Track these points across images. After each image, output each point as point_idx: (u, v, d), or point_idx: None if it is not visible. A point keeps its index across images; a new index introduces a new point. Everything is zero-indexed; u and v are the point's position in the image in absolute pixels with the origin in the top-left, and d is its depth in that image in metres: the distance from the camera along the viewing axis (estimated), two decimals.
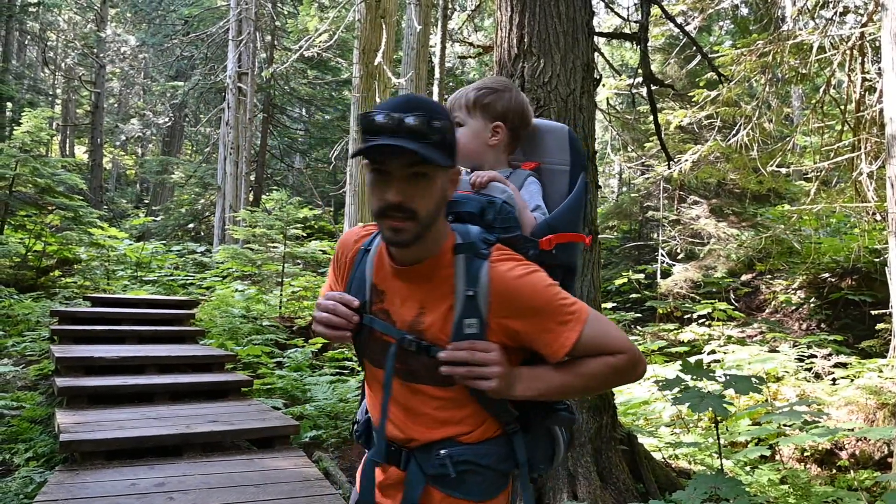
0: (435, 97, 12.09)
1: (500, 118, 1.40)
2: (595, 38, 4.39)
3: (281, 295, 9.13)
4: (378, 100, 10.62)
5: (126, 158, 30.39)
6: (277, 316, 8.29)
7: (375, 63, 9.94)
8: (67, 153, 26.47)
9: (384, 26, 10.32)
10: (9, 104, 19.14)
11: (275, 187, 17.28)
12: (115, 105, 28.24)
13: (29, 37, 22.88)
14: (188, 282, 11.33)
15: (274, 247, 10.21)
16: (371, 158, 1.10)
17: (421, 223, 1.11)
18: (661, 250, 11.51)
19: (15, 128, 10.26)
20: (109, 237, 11.41)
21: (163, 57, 22.76)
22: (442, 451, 1.20)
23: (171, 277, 11.56)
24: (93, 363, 5.13)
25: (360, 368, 1.40)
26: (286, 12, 19.69)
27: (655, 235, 12.25)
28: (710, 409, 2.88)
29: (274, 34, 19.50)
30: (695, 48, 10.28)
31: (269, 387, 5.77)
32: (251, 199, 17.09)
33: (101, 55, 22.33)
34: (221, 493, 3.22)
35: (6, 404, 4.69)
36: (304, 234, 11.19)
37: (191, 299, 8.60)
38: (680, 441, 4.87)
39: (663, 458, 4.52)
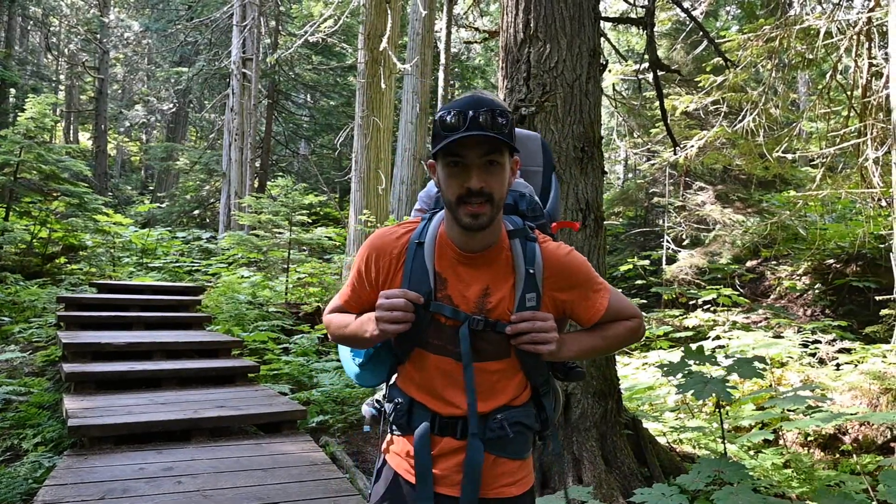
0: (440, 82, 12.02)
1: None
2: (601, 22, 4.34)
3: (287, 281, 9.15)
4: (383, 85, 10.56)
5: (130, 145, 30.38)
6: (283, 302, 8.32)
7: (381, 48, 9.88)
8: (71, 140, 26.48)
9: (389, 11, 10.23)
10: (12, 90, 19.13)
11: (280, 174, 17.25)
12: (119, 91, 28.18)
13: (31, 22, 22.78)
14: (194, 268, 11.37)
15: (279, 233, 10.22)
16: (450, 152, 1.23)
17: (496, 206, 1.26)
18: (666, 236, 11.48)
19: (19, 114, 10.25)
20: (115, 224, 11.44)
21: (167, 42, 22.66)
22: (499, 416, 1.35)
23: (177, 264, 11.60)
24: (100, 349, 5.17)
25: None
26: None
27: (661, 222, 12.21)
28: (714, 394, 2.89)
29: (278, 19, 19.36)
30: (701, 33, 10.18)
31: (275, 372, 5.81)
32: (256, 185, 17.08)
33: (105, 41, 22.24)
34: (229, 477, 3.26)
35: (14, 390, 4.74)
36: (310, 221, 11.19)
37: (197, 286, 8.63)
38: (684, 426, 4.89)
39: (668, 442, 4.54)
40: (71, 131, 27.56)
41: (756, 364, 2.90)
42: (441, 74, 11.90)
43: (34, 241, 9.58)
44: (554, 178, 1.65)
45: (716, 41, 6.25)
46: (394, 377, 1.48)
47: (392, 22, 10.21)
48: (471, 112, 1.20)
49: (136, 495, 2.96)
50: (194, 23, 18.62)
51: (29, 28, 23.19)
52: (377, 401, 1.53)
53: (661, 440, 4.43)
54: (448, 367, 1.34)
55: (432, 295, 1.33)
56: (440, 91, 11.95)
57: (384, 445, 1.49)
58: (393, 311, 1.28)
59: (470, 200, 1.23)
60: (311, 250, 11.74)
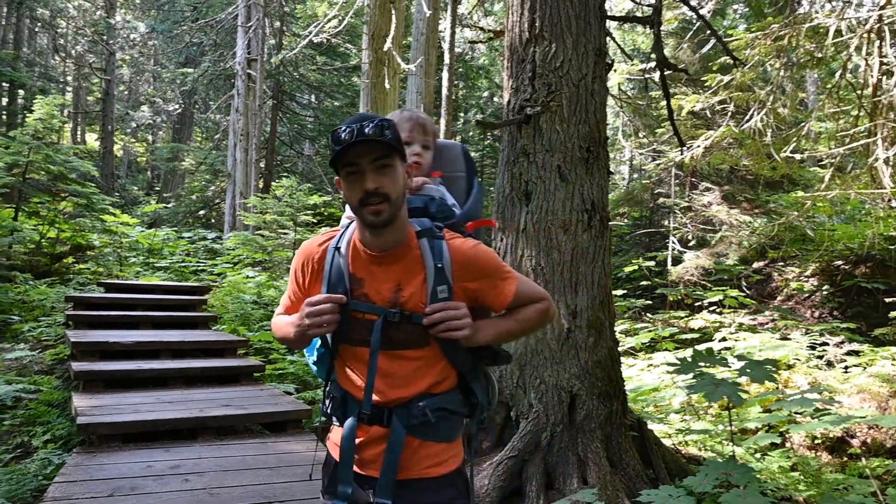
0: (444, 82, 12.01)
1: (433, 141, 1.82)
2: (607, 22, 4.33)
3: None
4: (388, 86, 10.57)
5: (137, 145, 30.52)
6: None
7: (385, 49, 9.89)
8: (79, 140, 26.61)
9: (393, 12, 10.25)
10: (21, 91, 19.24)
11: (284, 174, 17.30)
12: (126, 92, 28.31)
13: (39, 24, 22.91)
14: (200, 268, 11.41)
15: (284, 233, 10.25)
16: (346, 162, 1.40)
17: (393, 204, 1.41)
18: (672, 237, 11.44)
19: (27, 115, 10.32)
20: (122, 224, 11.49)
21: (172, 44, 22.75)
22: (421, 403, 1.48)
23: (183, 264, 11.65)
24: (108, 348, 5.20)
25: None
26: None
27: (666, 222, 12.17)
28: (725, 396, 2.88)
29: (283, 20, 19.41)
30: (708, 32, 10.14)
31: (280, 372, 5.83)
32: (261, 185, 17.12)
33: (111, 42, 22.34)
34: (236, 476, 3.27)
35: (24, 388, 4.77)
36: (315, 221, 11.21)
37: (203, 285, 8.66)
38: (690, 428, 4.87)
39: (673, 444, 4.53)
40: (78, 132, 27.70)
41: (768, 367, 2.89)
42: (445, 74, 11.90)
43: (43, 240, 9.64)
44: (476, 182, 1.83)
45: (723, 40, 6.23)
46: (333, 376, 1.61)
47: (396, 22, 10.22)
48: (358, 125, 1.37)
49: (144, 493, 2.98)
50: (200, 24, 18.69)
51: (37, 30, 23.33)
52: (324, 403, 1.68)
53: (667, 442, 4.41)
54: (364, 355, 1.47)
55: (349, 294, 1.47)
56: (444, 91, 11.95)
57: (329, 437, 1.62)
58: (320, 315, 1.42)
59: (369, 201, 1.39)
60: None
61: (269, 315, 7.62)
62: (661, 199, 12.00)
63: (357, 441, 1.49)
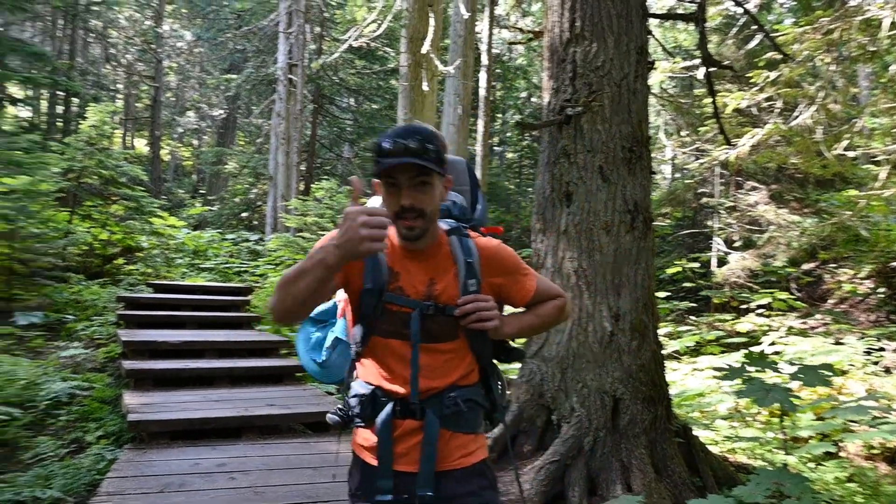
0: (482, 83, 11.99)
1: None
2: (648, 19, 4.25)
3: None
4: (425, 88, 10.60)
5: (183, 150, 31.42)
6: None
7: (423, 51, 9.93)
8: (129, 145, 27.55)
9: (431, 14, 10.28)
10: (75, 99, 20.03)
11: (324, 176, 17.55)
12: (173, 99, 29.17)
13: (92, 35, 23.83)
14: (243, 269, 11.66)
15: (324, 235, 10.40)
16: (386, 175, 1.44)
17: (427, 220, 1.47)
18: (716, 238, 11.14)
19: (81, 122, 10.73)
20: (169, 226, 11.84)
21: (217, 51, 23.34)
22: (452, 394, 1.53)
23: (227, 265, 11.93)
24: (157, 347, 5.36)
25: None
26: (335, 3, 19.87)
27: (710, 223, 11.86)
28: (776, 402, 2.79)
29: (323, 25, 19.71)
30: (754, 27, 9.85)
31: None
32: (302, 188, 17.41)
33: (159, 51, 23.08)
34: (280, 475, 3.33)
35: (78, 385, 4.95)
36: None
37: (246, 286, 8.85)
38: (738, 435, 4.73)
39: (721, 451, 4.41)
40: (128, 138, 28.69)
41: (822, 371, 2.78)
42: (483, 76, 11.88)
43: (95, 242, 10.01)
44: (480, 194, 1.96)
45: (771, 35, 6.03)
46: (354, 376, 1.62)
47: (434, 25, 10.25)
48: (402, 140, 1.41)
49: (192, 489, 3.05)
50: (243, 31, 19.13)
51: (90, 40, 24.26)
52: (339, 408, 1.67)
53: (714, 449, 4.30)
54: (402, 350, 1.51)
55: (385, 286, 1.51)
56: (482, 92, 11.93)
57: (353, 441, 1.62)
58: (381, 227, 1.28)
59: (404, 216, 1.44)
60: None
61: None
62: (705, 199, 11.70)
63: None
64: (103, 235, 10.20)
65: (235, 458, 3.58)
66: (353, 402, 1.57)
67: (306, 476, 3.34)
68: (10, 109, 20.06)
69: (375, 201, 1.96)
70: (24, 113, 21.66)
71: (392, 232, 1.53)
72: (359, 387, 1.58)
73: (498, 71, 19.39)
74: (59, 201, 9.29)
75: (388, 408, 1.50)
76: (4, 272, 7.65)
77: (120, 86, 26.83)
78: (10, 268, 7.61)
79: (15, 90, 20.01)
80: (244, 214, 21.47)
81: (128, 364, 4.89)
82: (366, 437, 1.55)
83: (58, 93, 19.98)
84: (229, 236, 15.30)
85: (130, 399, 4.27)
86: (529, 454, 3.69)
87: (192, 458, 3.54)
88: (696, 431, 4.18)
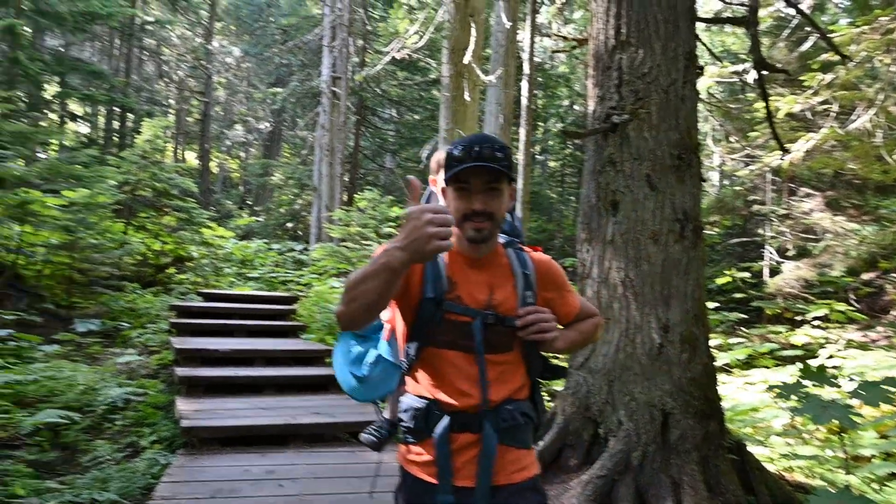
0: (524, 92, 11.96)
1: None
2: (697, 24, 4.16)
3: None
4: (467, 98, 10.64)
5: (231, 162, 32.34)
6: None
7: (465, 62, 9.98)
8: (179, 158, 28.53)
9: (473, 25, 10.33)
10: (130, 115, 20.89)
11: (367, 187, 17.78)
12: (221, 113, 30.11)
13: (146, 53, 24.86)
14: (288, 278, 11.89)
15: (367, 244, 10.51)
16: (458, 179, 1.47)
17: (496, 223, 1.50)
18: (768, 247, 10.78)
19: (136, 137, 11.18)
20: (217, 236, 12.19)
21: (263, 65, 24.03)
22: (509, 407, 1.52)
23: (273, 274, 12.18)
24: (208, 355, 5.50)
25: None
26: (377, 16, 20.19)
27: (762, 231, 11.48)
28: (834, 419, 2.66)
29: (366, 38, 20.05)
30: (806, 29, 9.54)
31: None
32: (345, 198, 17.68)
33: (209, 66, 23.88)
34: (327, 483, 3.36)
35: (133, 391, 5.12)
36: (397, 233, 11.43)
37: (291, 295, 9.01)
38: (795, 452, 4.54)
39: (777, 469, 4.23)
40: (179, 151, 29.72)
41: (885, 387, 2.64)
42: (525, 84, 11.84)
43: (149, 252, 10.37)
44: (515, 213, 2.01)
45: (827, 35, 5.82)
46: (403, 390, 1.60)
47: (476, 35, 10.29)
48: (475, 147, 1.45)
49: (243, 496, 3.11)
50: (288, 46, 19.64)
51: (144, 58, 25.31)
52: (375, 428, 1.71)
53: (769, 467, 4.13)
54: (459, 361, 1.49)
55: (444, 296, 1.51)
56: (524, 101, 11.89)
57: (400, 457, 1.58)
58: (447, 225, 1.26)
59: (474, 218, 1.47)
60: None
61: None
62: (756, 207, 11.34)
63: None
64: (156, 246, 10.57)
65: (283, 465, 3.63)
66: (404, 416, 1.54)
67: (352, 485, 3.36)
68: (71, 126, 21.07)
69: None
70: (84, 129, 22.72)
71: (453, 239, 1.51)
72: (411, 401, 1.55)
73: (540, 79, 19.31)
74: (115, 213, 9.68)
75: (445, 421, 1.48)
76: (65, 281, 8.01)
77: (172, 101, 27.86)
78: (71, 277, 7.96)
79: (75, 107, 21.02)
80: (289, 225, 21.93)
81: (180, 371, 5.03)
82: (418, 451, 1.52)
83: (114, 109, 20.89)
84: (275, 246, 15.63)
85: (183, 405, 4.39)
86: (575, 468, 3.62)
87: (242, 464, 3.61)
88: (751, 448, 4.03)
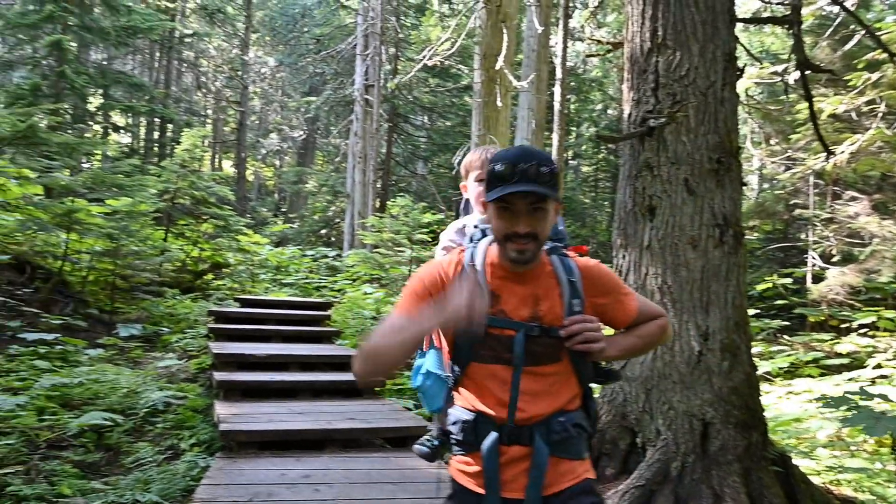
0: (556, 97, 11.89)
1: None
2: (736, 24, 4.07)
3: None
4: (499, 104, 10.63)
5: (266, 170, 32.94)
6: None
7: (496, 67, 9.97)
8: (216, 167, 29.18)
9: (505, 30, 10.33)
10: (170, 125, 21.48)
11: (400, 193, 17.90)
12: (257, 122, 30.72)
13: (185, 64, 25.56)
14: (322, 284, 12.03)
15: (400, 251, 10.57)
16: (501, 199, 1.41)
17: (539, 244, 1.46)
18: (811, 252, 10.47)
19: (175, 146, 11.48)
20: (253, 243, 12.41)
21: (297, 75, 24.45)
22: (561, 419, 1.48)
23: (307, 280, 12.34)
24: (245, 359, 5.59)
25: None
26: (409, 24, 20.36)
27: (804, 236, 11.17)
28: (887, 431, 2.56)
29: (398, 46, 20.23)
30: (851, 27, 9.26)
31: (399, 387, 5.96)
32: (377, 205, 17.81)
33: (245, 77, 24.41)
34: (362, 489, 3.37)
35: (173, 394, 5.23)
36: (429, 239, 11.47)
37: (326, 301, 9.11)
38: (843, 465, 4.38)
39: (823, 483, 4.09)
40: (216, 160, 30.41)
41: None
42: (557, 89, 11.78)
43: (187, 259, 10.62)
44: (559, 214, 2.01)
45: (875, 33, 5.63)
46: (452, 403, 1.58)
47: (508, 41, 10.28)
48: (519, 165, 1.39)
49: (280, 500, 3.14)
50: (322, 55, 19.94)
51: (182, 69, 26.02)
52: (427, 438, 1.67)
53: (815, 480, 3.99)
54: (504, 374, 1.47)
55: (486, 310, 1.45)
56: (556, 106, 11.83)
57: (451, 467, 1.58)
58: (480, 307, 1.33)
59: (516, 240, 1.42)
60: None
61: None
62: (798, 211, 11.03)
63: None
64: (194, 252, 10.81)
65: (319, 470, 3.66)
66: (454, 429, 1.54)
67: (387, 491, 3.36)
68: (114, 136, 21.76)
69: (471, 220, 1.97)
70: (126, 139, 23.44)
71: (494, 251, 1.52)
72: (460, 413, 1.54)
73: (572, 84, 19.19)
74: (155, 221, 9.95)
75: (493, 434, 1.46)
76: (108, 287, 8.25)
77: (209, 111, 28.57)
78: (114, 283, 8.20)
79: (118, 118, 21.71)
80: (323, 231, 22.21)
81: (218, 375, 5.12)
82: (467, 462, 1.52)
83: (154, 119, 21.52)
84: (309, 252, 15.84)
85: (221, 409, 4.47)
86: (612, 477, 3.56)
87: (279, 468, 3.65)
88: (796, 460, 3.90)
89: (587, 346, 1.45)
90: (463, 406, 1.54)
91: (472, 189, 2.19)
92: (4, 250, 7.19)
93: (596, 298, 1.54)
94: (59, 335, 6.27)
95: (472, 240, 1.64)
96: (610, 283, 1.58)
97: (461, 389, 1.55)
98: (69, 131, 12.77)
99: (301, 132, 28.24)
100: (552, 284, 1.51)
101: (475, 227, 1.68)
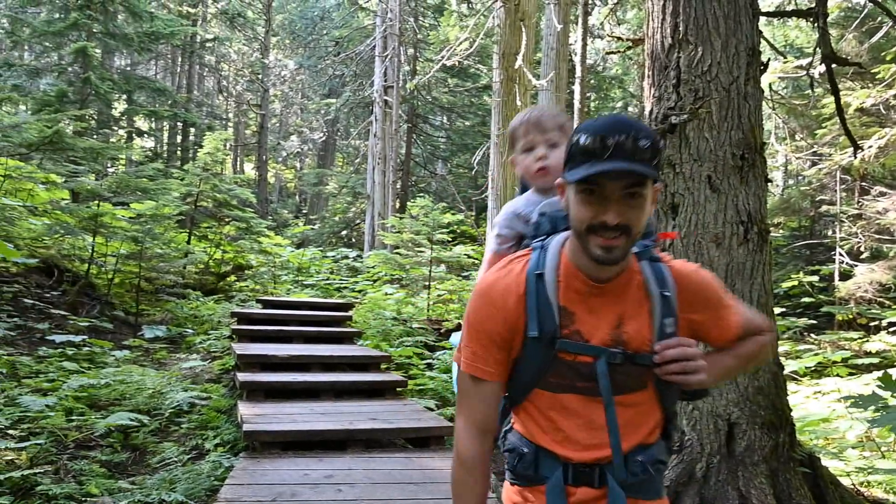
0: (576, 95, 11.82)
1: None
2: (760, 18, 4.00)
3: (428, 298, 9.42)
4: (518, 102, 10.59)
5: (286, 172, 33.25)
6: (425, 318, 8.57)
7: (515, 66, 9.94)
8: (238, 170, 29.54)
9: (523, 29, 10.29)
10: (192, 129, 21.80)
11: (419, 194, 17.94)
12: (277, 124, 31.04)
13: (206, 69, 25.92)
14: (343, 285, 12.10)
15: (420, 251, 10.58)
16: (586, 179, 1.11)
17: (632, 239, 1.15)
18: (838, 249, 10.25)
19: (198, 150, 11.65)
20: (275, 245, 12.53)
21: (317, 77, 24.64)
22: (640, 458, 1.23)
23: (328, 281, 12.42)
24: (267, 360, 5.63)
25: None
26: (427, 25, 20.40)
27: (831, 232, 10.95)
28: None
29: (416, 47, 20.28)
30: (878, 19, 9.05)
31: (421, 387, 5.97)
32: (397, 206, 17.88)
33: (265, 80, 24.66)
34: (384, 489, 3.37)
35: (197, 395, 5.30)
36: (449, 239, 11.48)
37: (347, 302, 9.16)
38: (873, 466, 4.28)
39: (852, 484, 4.00)
40: (237, 162, 30.78)
41: None
42: (577, 87, 11.72)
43: (210, 261, 10.76)
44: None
45: None
46: (509, 424, 1.34)
47: (527, 39, 10.24)
48: (613, 138, 1.08)
49: (303, 500, 3.16)
50: (341, 57, 20.08)
51: (204, 74, 26.39)
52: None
53: (845, 481, 3.91)
54: (578, 406, 1.22)
55: (557, 332, 1.20)
56: (576, 104, 11.76)
57: (506, 497, 1.35)
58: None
59: (603, 233, 1.12)
60: (450, 268, 12.01)
61: (410, 332, 7.84)
62: (825, 207, 10.82)
63: None
64: (217, 254, 10.95)
65: (341, 470, 3.68)
66: (509, 457, 1.31)
67: (409, 491, 3.37)
68: (138, 141, 22.14)
69: (521, 202, 1.62)
70: (149, 143, 23.84)
71: (570, 258, 1.23)
72: (518, 441, 1.29)
73: (592, 81, 19.05)
74: (178, 223, 10.10)
75: (559, 473, 1.23)
76: (133, 289, 8.39)
77: (230, 114, 28.93)
78: (138, 285, 8.34)
79: (141, 123, 22.10)
80: (343, 232, 22.34)
81: (241, 376, 5.17)
82: (525, 497, 1.29)
83: (177, 124, 21.85)
84: (330, 254, 15.95)
85: (245, 409, 4.51)
86: None
87: (301, 468, 3.67)
88: (824, 461, 3.82)
89: (684, 378, 1.20)
90: (521, 432, 1.30)
91: (520, 162, 1.71)
92: (33, 254, 7.35)
93: (692, 315, 1.26)
94: (86, 337, 6.40)
95: (537, 230, 1.36)
96: (711, 295, 1.28)
97: (520, 414, 1.31)
98: (94, 136, 13.02)
99: (321, 134, 28.47)
100: (641, 299, 1.23)
101: (541, 214, 1.37)
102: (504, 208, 1.65)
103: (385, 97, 16.17)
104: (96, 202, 7.95)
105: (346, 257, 15.57)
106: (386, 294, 9.93)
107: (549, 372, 1.22)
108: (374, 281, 11.77)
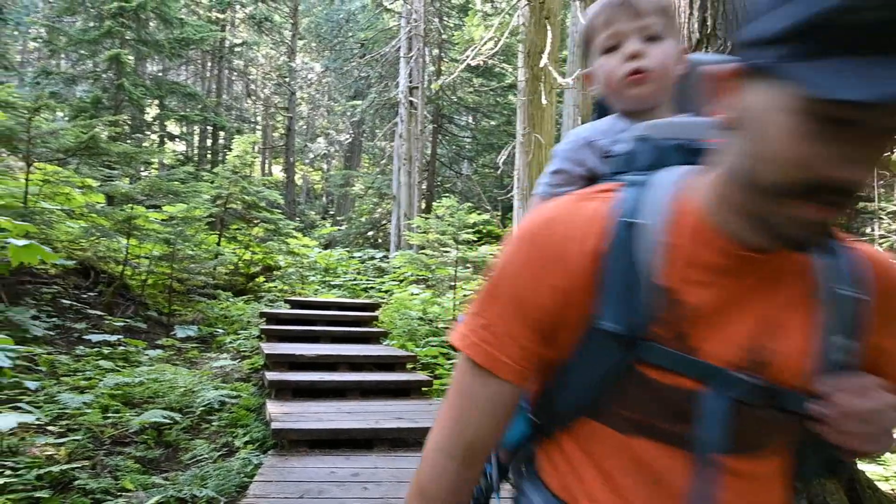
0: None
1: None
2: None
3: (454, 298, 9.44)
4: (544, 101, 10.54)
5: (313, 174, 33.62)
6: (451, 318, 8.58)
7: (541, 65, 9.88)
8: (266, 172, 29.97)
9: (549, 27, 10.22)
10: (221, 133, 22.19)
11: (445, 194, 17.97)
12: (304, 127, 31.41)
13: (235, 73, 26.37)
14: (369, 286, 12.19)
15: (446, 251, 10.60)
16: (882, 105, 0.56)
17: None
18: (877, 246, 9.96)
19: (227, 153, 11.86)
20: (303, 246, 12.69)
21: (343, 79, 24.85)
22: None
23: (355, 282, 12.53)
24: (295, 360, 5.71)
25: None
26: (452, 25, 20.42)
27: (870, 230, 10.64)
28: None
29: (441, 47, 20.31)
30: None
31: (446, 387, 5.97)
32: (423, 206, 17.93)
33: (292, 83, 24.98)
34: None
35: (227, 393, 5.40)
36: (475, 239, 11.48)
37: (373, 302, 9.22)
38: None
39: (892, 489, 3.88)
40: (266, 165, 31.23)
41: None
42: None
43: (240, 262, 10.94)
44: None
45: None
46: (532, 471, 0.87)
47: (552, 37, 10.17)
48: None
49: (330, 497, 3.20)
50: (366, 59, 20.22)
51: (233, 78, 26.85)
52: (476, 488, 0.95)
53: (883, 486, 3.79)
54: (656, 460, 0.73)
55: (645, 329, 0.71)
56: None
57: None
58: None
59: (832, 198, 0.61)
60: (476, 267, 12.01)
61: (435, 332, 7.87)
62: (862, 204, 10.52)
63: None
64: (246, 256, 11.13)
65: (368, 468, 3.71)
66: None
67: None
68: (169, 145, 22.63)
69: (611, 126, 1.00)
70: (180, 147, 24.35)
71: (693, 204, 0.72)
72: (540, 500, 0.82)
73: None
74: (209, 225, 10.28)
75: None
76: (166, 290, 8.58)
77: (259, 118, 29.36)
78: (171, 286, 8.52)
79: (173, 127, 22.58)
80: (370, 233, 22.49)
81: (270, 375, 5.25)
82: None
83: (207, 127, 22.26)
84: (356, 254, 16.08)
85: (273, 408, 4.58)
86: None
87: (328, 466, 3.71)
88: (862, 465, 3.72)
89: (861, 446, 0.71)
90: (553, 487, 0.81)
91: (600, 69, 1.02)
92: (71, 256, 7.57)
93: (884, 339, 0.75)
94: (121, 336, 6.56)
95: (630, 164, 0.84)
96: None
97: (554, 454, 0.83)
98: (128, 141, 13.36)
99: (347, 136, 28.72)
100: (803, 297, 0.73)
101: (640, 139, 0.84)
102: (568, 135, 1.06)
103: (410, 98, 16.24)
104: (130, 205, 8.15)
105: (373, 258, 15.68)
106: (412, 294, 9.97)
107: (617, 396, 0.74)
108: (400, 281, 11.83)
